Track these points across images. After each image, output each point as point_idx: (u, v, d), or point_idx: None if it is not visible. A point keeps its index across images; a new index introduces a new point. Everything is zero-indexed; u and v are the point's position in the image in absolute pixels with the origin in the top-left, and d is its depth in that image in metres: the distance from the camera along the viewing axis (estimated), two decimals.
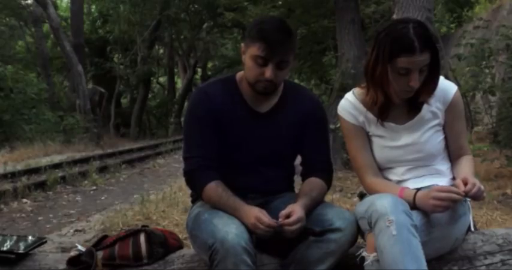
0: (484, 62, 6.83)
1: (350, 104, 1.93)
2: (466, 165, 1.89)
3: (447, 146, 1.93)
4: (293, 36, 1.84)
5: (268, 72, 1.80)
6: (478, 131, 8.28)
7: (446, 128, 1.91)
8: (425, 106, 1.87)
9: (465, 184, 1.71)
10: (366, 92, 1.89)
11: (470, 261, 1.84)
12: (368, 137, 1.94)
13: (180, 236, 2.20)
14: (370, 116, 1.90)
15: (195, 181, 1.89)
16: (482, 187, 1.70)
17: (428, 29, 1.79)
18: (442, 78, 1.89)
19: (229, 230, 1.66)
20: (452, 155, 1.94)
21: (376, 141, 1.93)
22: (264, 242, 1.78)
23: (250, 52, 1.82)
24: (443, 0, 12.95)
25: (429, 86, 1.82)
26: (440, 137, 1.90)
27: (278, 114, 1.95)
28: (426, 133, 1.88)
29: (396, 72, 1.76)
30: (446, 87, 1.89)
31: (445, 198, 1.66)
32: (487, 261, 1.84)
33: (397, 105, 1.88)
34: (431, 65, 1.78)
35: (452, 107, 1.88)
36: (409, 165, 1.90)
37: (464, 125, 1.96)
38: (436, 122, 1.89)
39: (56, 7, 19.56)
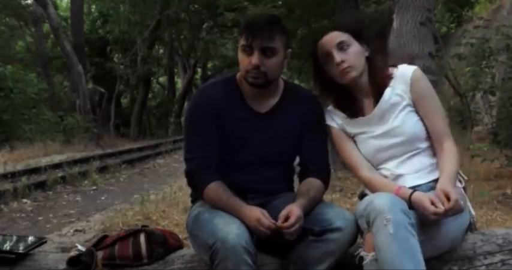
0: (484, 62, 6.82)
1: (330, 108, 2.02)
2: (449, 162, 1.84)
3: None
4: (280, 26, 1.86)
5: (254, 58, 1.81)
6: (478, 131, 8.28)
7: (417, 109, 1.92)
8: (389, 91, 1.91)
9: (446, 197, 1.68)
10: None
11: (470, 261, 1.85)
12: (352, 139, 1.98)
13: (180, 236, 2.20)
14: (343, 115, 1.98)
15: (196, 182, 1.90)
16: (461, 202, 1.68)
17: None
18: (403, 65, 1.96)
19: (230, 230, 1.66)
20: (433, 141, 1.91)
21: (358, 138, 1.97)
22: (264, 242, 1.79)
23: (239, 45, 1.86)
24: (443, 0, 12.95)
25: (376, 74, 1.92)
26: (415, 117, 1.92)
27: (278, 115, 1.95)
28: (398, 116, 1.91)
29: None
30: (405, 69, 1.94)
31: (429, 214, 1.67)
32: (487, 261, 1.84)
33: (360, 99, 1.95)
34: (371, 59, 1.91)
35: (414, 86, 1.91)
36: (399, 155, 1.90)
37: (437, 105, 1.94)
38: (404, 103, 1.91)
39: (56, 7, 19.55)
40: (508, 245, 1.87)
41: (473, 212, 1.94)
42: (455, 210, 1.67)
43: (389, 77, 1.93)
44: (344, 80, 1.90)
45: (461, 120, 8.45)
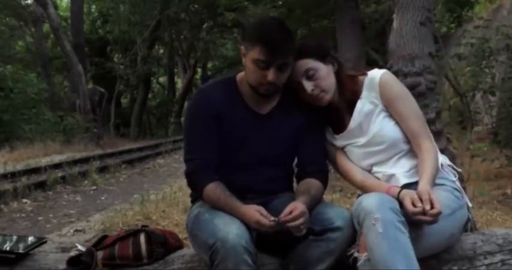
0: (484, 62, 6.83)
1: None
2: (427, 163, 1.82)
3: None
4: (292, 37, 1.85)
5: (271, 75, 1.80)
6: (478, 131, 8.28)
7: (390, 113, 1.91)
8: (360, 102, 1.92)
9: (431, 201, 1.65)
10: None
11: (470, 261, 1.85)
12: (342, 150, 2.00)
13: (180, 236, 2.20)
14: (329, 131, 2.01)
15: (196, 183, 1.90)
16: (440, 211, 1.63)
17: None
18: (372, 71, 1.95)
19: (230, 230, 1.66)
20: (411, 142, 1.89)
21: (347, 149, 1.99)
22: (264, 242, 1.79)
23: (251, 55, 1.82)
24: (443, 0, 12.94)
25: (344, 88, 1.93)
26: (392, 121, 1.92)
27: (278, 115, 1.96)
28: (376, 122, 1.91)
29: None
30: (373, 75, 1.94)
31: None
32: (487, 261, 1.84)
33: (341, 114, 1.96)
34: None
35: (382, 90, 1.90)
36: (387, 159, 1.91)
37: (409, 107, 1.91)
38: (378, 109, 1.92)
39: (56, 7, 19.55)
40: (508, 245, 1.87)
41: (469, 204, 1.93)
42: (433, 220, 1.63)
43: (358, 89, 1.93)
44: (320, 104, 1.93)
45: (461, 120, 8.45)
